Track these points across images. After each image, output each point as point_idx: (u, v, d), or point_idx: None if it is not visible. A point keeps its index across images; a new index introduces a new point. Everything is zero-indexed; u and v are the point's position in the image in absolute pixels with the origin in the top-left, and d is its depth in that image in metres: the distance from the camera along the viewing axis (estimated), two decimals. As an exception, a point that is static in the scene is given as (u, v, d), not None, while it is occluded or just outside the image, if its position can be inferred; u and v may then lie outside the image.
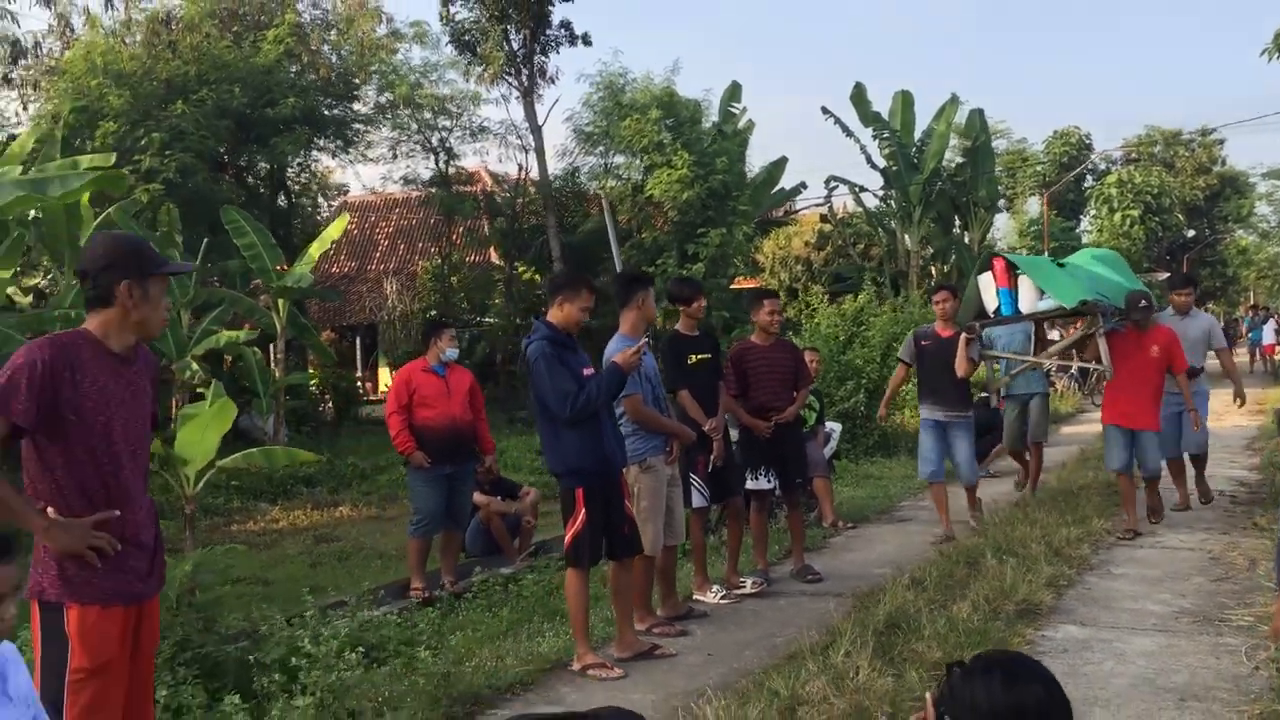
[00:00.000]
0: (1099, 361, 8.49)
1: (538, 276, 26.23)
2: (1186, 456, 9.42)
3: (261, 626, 5.19)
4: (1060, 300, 8.47)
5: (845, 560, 7.98)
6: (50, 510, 3.26)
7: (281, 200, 24.52)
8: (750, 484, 7.12)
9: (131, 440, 3.42)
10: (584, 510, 5.29)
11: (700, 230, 21.28)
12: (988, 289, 9.14)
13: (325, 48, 23.87)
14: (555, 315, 5.44)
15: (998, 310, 8.94)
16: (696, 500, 6.56)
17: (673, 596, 6.26)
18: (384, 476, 15.52)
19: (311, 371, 21.27)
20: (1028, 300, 8.81)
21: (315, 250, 18.17)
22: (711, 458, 6.44)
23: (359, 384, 25.73)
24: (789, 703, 4.39)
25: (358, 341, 30.63)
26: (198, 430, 7.82)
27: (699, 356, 6.46)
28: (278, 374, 18.29)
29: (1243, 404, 9.69)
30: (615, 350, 5.61)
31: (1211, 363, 10.09)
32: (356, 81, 23.62)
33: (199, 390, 15.76)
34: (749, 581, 6.90)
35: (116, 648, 3.31)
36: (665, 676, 5.13)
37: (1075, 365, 11.31)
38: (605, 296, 6.91)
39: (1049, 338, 11.05)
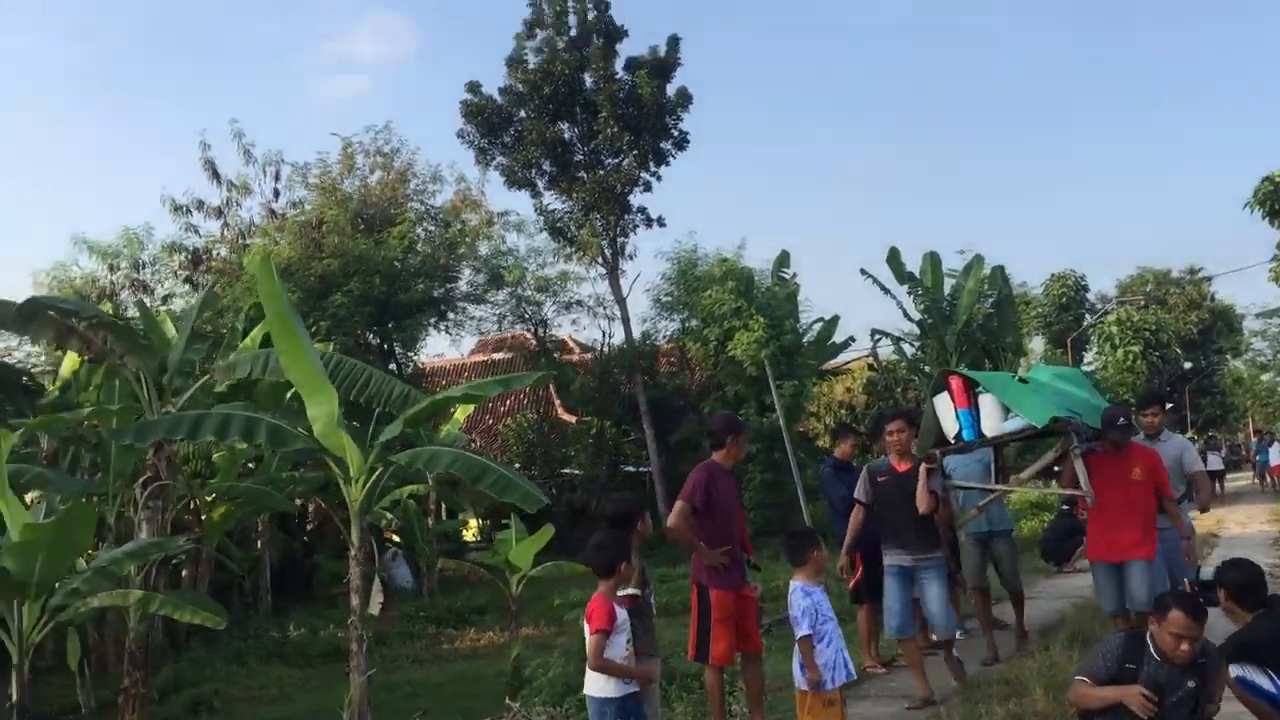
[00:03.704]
0: (1076, 487, 7.68)
1: (610, 429, 29.39)
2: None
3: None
4: (1030, 419, 7.68)
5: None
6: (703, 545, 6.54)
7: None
8: None
9: (736, 514, 6.77)
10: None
11: (777, 383, 24.43)
12: (946, 412, 8.15)
13: (424, 234, 27.56)
14: (838, 451, 8.63)
15: (959, 435, 8.04)
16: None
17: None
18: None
19: (462, 518, 24.01)
20: (991, 421, 7.91)
21: (460, 414, 21.25)
22: None
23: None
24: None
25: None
26: (525, 549, 10.71)
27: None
28: (430, 524, 21.13)
29: (1204, 510, 9.21)
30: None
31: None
32: (462, 265, 27.18)
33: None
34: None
35: (732, 608, 6.52)
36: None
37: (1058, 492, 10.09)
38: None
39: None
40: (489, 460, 7.98)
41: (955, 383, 8.02)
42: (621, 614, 5.26)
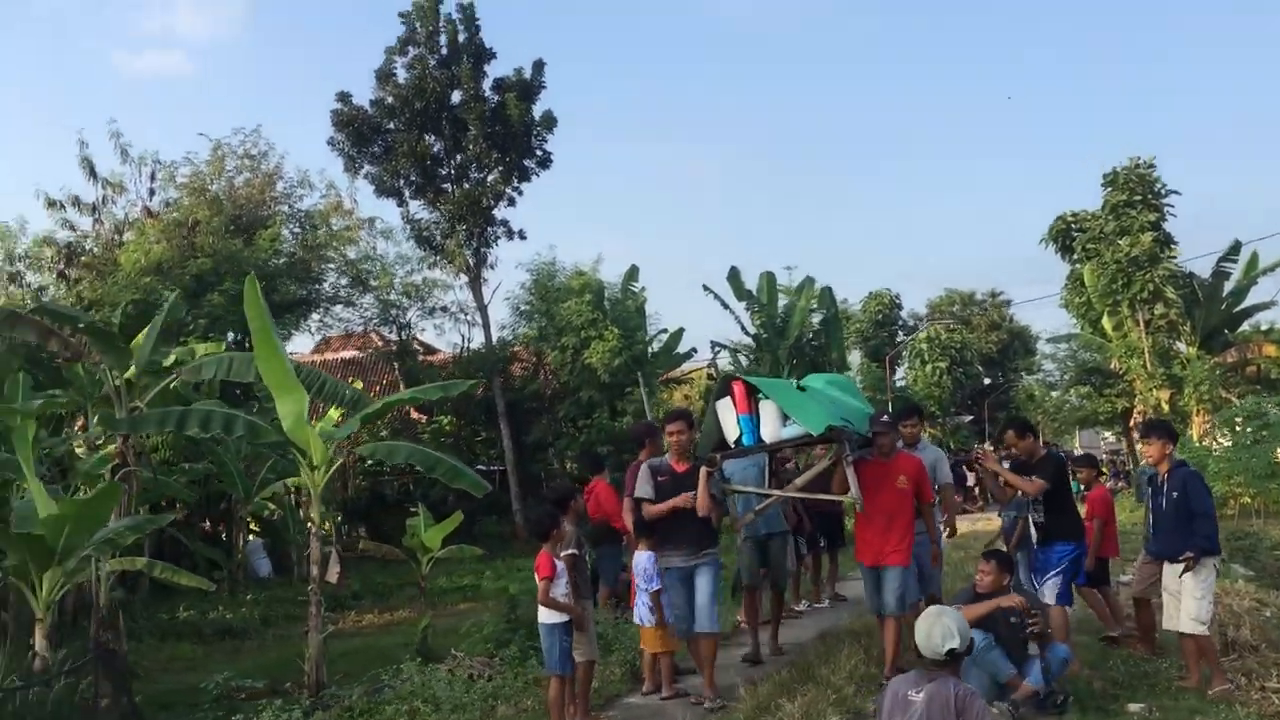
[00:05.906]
0: (846, 492, 7.92)
1: (465, 429, 30.89)
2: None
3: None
4: (807, 426, 7.78)
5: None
6: None
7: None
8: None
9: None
10: None
11: (627, 390, 26.53)
12: (727, 416, 8.17)
13: (290, 236, 28.48)
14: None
15: (739, 440, 8.05)
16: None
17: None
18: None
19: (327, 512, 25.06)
20: (771, 427, 7.97)
21: (334, 412, 22.44)
22: None
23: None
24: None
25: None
26: (436, 533, 12.36)
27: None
28: (302, 515, 22.25)
29: (952, 535, 9.53)
30: None
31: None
32: (326, 268, 28.22)
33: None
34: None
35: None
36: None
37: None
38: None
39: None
40: (438, 453, 9.65)
41: (738, 388, 8.15)
42: (560, 565, 7.17)
